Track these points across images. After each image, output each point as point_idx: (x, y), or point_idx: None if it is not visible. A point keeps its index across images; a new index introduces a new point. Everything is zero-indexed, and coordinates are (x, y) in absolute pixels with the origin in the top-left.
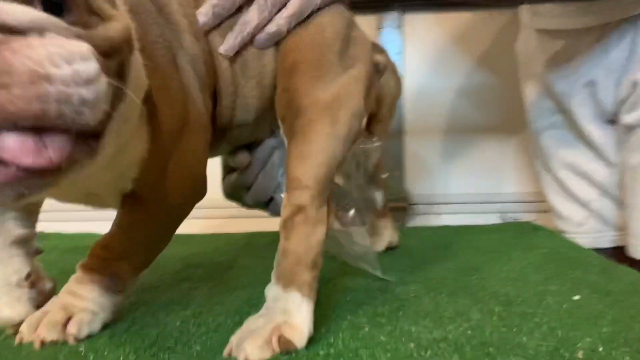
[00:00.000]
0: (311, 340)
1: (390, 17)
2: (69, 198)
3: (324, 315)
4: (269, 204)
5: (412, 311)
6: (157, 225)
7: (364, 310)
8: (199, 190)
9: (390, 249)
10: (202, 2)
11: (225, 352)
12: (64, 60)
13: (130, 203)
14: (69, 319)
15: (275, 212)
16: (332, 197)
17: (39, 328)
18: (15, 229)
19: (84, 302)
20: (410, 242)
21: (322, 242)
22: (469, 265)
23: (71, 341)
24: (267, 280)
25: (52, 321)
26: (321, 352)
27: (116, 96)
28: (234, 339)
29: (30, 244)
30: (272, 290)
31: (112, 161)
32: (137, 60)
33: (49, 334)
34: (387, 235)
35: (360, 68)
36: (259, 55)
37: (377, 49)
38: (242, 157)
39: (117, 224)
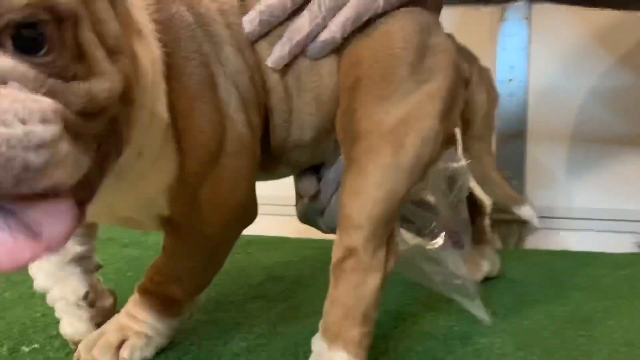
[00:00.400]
0: None
1: (516, 7)
2: (105, 221)
3: None
4: None
5: None
6: (199, 252)
7: None
8: (244, 216)
9: (487, 278)
10: (250, 8)
11: None
12: (17, 118)
13: (170, 229)
14: (123, 342)
15: None
16: (419, 219)
17: (94, 349)
18: (73, 247)
19: (139, 325)
20: (514, 272)
21: (375, 293)
22: (579, 313)
23: None
24: None
25: (106, 344)
26: None
27: (106, 154)
28: None
29: (89, 261)
30: (317, 345)
31: (135, 189)
32: (156, 91)
33: (102, 356)
34: (485, 264)
35: (438, 82)
36: (314, 67)
37: (466, 56)
38: (308, 185)
39: (163, 248)
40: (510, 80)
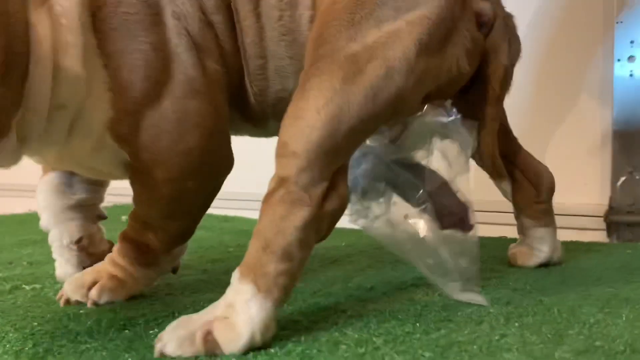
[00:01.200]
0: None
1: None
2: (83, 172)
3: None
4: None
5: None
6: (161, 199)
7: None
8: (205, 166)
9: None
10: None
11: (158, 338)
12: None
13: (132, 175)
14: (94, 283)
15: None
16: (405, 184)
17: (65, 287)
18: (78, 193)
19: (114, 269)
20: (589, 261)
21: (301, 230)
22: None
23: (89, 304)
24: None
25: (80, 283)
26: None
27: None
28: (168, 329)
29: (92, 209)
30: (233, 275)
31: (81, 136)
32: (61, 50)
33: (74, 294)
34: (544, 249)
35: (422, 11)
36: (290, 5)
37: None
38: None
39: (133, 194)
40: (630, 57)
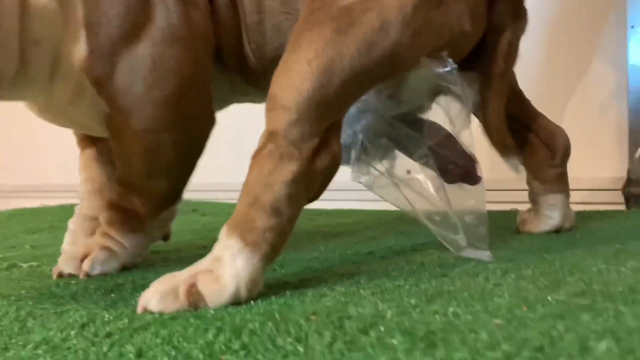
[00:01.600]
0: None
1: None
2: (58, 121)
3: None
4: None
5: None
6: (139, 154)
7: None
8: (187, 118)
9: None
10: None
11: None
12: None
13: (109, 128)
14: (87, 256)
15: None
16: (409, 140)
17: (60, 260)
18: None
19: (105, 240)
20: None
21: (289, 184)
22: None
23: (81, 276)
24: None
25: (72, 255)
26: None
27: None
28: (155, 283)
29: None
30: (221, 231)
31: (55, 77)
32: None
33: (66, 267)
34: (555, 216)
35: None
36: None
37: None
38: None
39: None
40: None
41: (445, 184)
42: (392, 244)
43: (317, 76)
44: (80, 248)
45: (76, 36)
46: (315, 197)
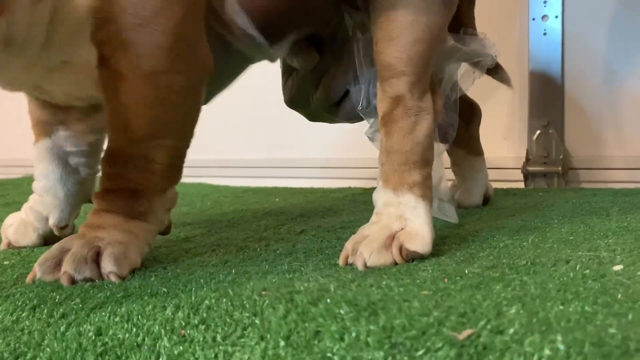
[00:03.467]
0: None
1: None
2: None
3: None
4: (341, 102)
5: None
6: (150, 101)
7: None
8: (186, 57)
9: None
10: None
11: (341, 261)
12: None
13: (106, 82)
14: (97, 255)
15: (347, 114)
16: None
17: (66, 266)
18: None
19: (108, 233)
20: (506, 202)
21: (430, 135)
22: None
23: (113, 279)
24: None
25: (80, 258)
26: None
27: None
28: (349, 245)
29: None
30: (382, 195)
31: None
32: None
33: (80, 273)
34: (481, 180)
35: None
36: None
37: None
38: (309, 57)
39: (107, 119)
40: (544, 17)
41: None
42: (322, 223)
43: (421, 39)
44: (82, 249)
45: None
46: None
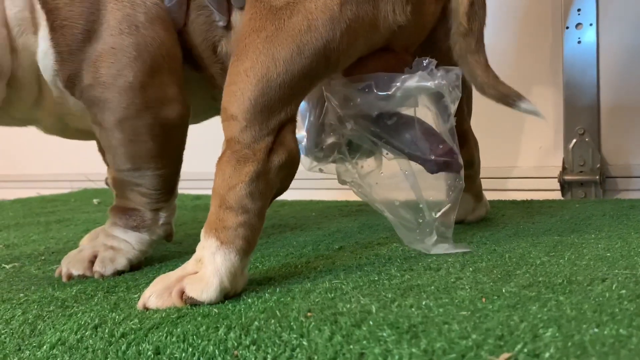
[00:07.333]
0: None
1: None
2: (71, 136)
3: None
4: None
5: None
6: (121, 145)
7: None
8: (155, 102)
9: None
10: None
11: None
12: None
13: (94, 127)
14: (95, 257)
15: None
16: (388, 136)
17: (68, 264)
18: None
19: (109, 240)
20: (541, 216)
21: (249, 183)
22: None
23: (96, 276)
24: None
25: (80, 258)
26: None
27: None
28: (165, 278)
29: None
30: (201, 235)
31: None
32: None
33: (75, 270)
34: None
35: None
36: None
37: None
38: None
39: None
40: (578, 25)
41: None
42: (359, 239)
43: (256, 85)
44: (86, 250)
45: (45, 39)
46: (282, 189)
